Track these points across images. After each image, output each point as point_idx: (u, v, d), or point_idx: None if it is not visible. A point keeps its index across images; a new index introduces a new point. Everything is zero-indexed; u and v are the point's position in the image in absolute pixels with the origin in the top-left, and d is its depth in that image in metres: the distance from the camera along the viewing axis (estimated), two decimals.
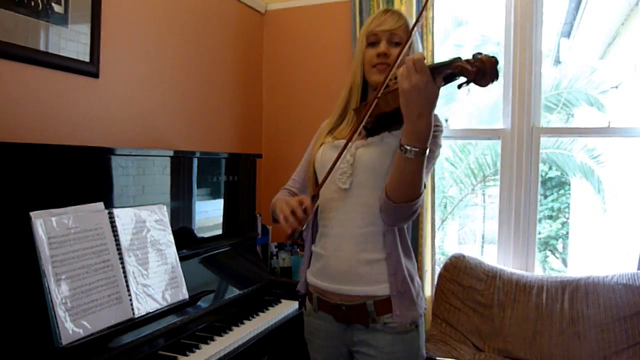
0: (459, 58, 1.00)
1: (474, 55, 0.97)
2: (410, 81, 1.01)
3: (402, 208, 1.15)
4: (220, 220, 2.11)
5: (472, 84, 0.99)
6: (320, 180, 1.30)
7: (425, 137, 1.07)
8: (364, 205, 1.26)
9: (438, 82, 1.03)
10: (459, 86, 1.00)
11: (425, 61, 1.03)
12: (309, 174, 1.39)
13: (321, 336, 1.36)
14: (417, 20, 1.22)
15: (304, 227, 1.22)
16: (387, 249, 1.25)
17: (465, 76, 0.97)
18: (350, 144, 1.20)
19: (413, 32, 1.23)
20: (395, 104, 1.10)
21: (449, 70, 1.00)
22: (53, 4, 1.64)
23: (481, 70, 0.94)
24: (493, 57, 0.95)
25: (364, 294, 1.25)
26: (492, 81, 0.95)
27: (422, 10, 1.34)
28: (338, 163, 1.21)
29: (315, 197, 1.20)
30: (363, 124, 1.18)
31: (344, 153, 1.21)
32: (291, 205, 1.18)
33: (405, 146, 1.07)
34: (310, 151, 1.45)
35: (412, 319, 1.26)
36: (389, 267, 1.25)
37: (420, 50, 1.37)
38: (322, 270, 1.32)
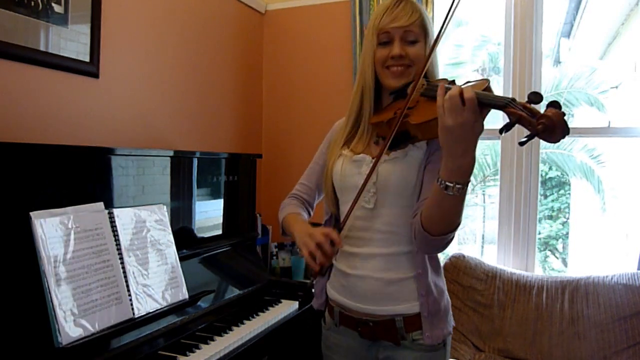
0: (513, 100, 0.90)
1: (529, 98, 0.88)
2: (456, 119, 0.91)
3: (442, 240, 1.07)
4: (220, 220, 2.11)
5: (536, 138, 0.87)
6: (341, 200, 1.27)
7: (469, 172, 0.97)
8: (389, 224, 1.19)
9: (484, 115, 0.94)
10: (522, 143, 0.89)
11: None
12: (326, 188, 1.29)
13: (341, 352, 1.29)
14: (438, 37, 1.09)
15: (332, 263, 1.14)
16: (415, 268, 1.18)
17: (527, 128, 0.87)
18: (374, 166, 1.13)
19: (434, 49, 1.11)
20: (431, 135, 1.02)
21: (509, 117, 0.90)
22: (53, 4, 1.64)
23: (549, 127, 0.83)
24: (559, 108, 0.84)
25: (392, 312, 1.19)
26: (564, 136, 0.84)
27: (449, 15, 1.08)
28: (362, 186, 1.14)
29: (340, 230, 1.13)
30: (387, 147, 1.10)
31: (370, 177, 1.14)
32: (316, 239, 1.09)
33: (447, 183, 0.96)
34: (322, 156, 1.36)
35: (442, 338, 1.20)
36: (418, 286, 1.18)
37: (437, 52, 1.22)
38: (347, 288, 1.24)
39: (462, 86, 0.94)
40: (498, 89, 2.63)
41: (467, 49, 5.16)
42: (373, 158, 1.19)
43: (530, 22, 2.44)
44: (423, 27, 1.19)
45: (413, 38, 1.18)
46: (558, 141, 0.86)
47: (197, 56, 2.39)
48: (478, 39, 5.18)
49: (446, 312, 1.23)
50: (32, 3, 1.57)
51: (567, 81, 4.95)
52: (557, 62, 5.10)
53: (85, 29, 1.76)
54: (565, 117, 0.84)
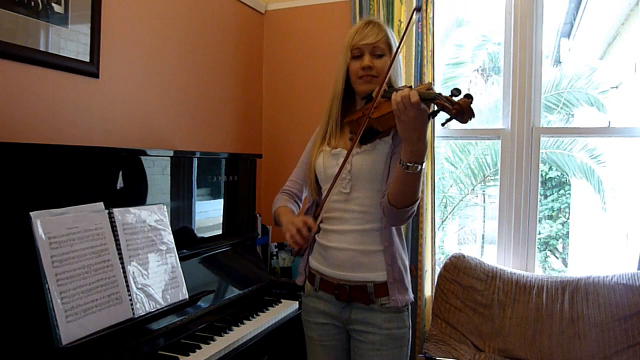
0: (440, 94, 1.17)
1: (452, 92, 1.15)
2: (408, 115, 1.16)
3: (405, 212, 1.30)
4: (220, 220, 2.11)
5: (453, 120, 1.16)
6: (323, 189, 1.48)
7: (424, 153, 1.22)
8: (362, 205, 1.41)
9: (428, 107, 1.19)
10: (443, 124, 1.18)
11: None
12: (310, 179, 1.52)
13: (319, 315, 1.48)
14: (402, 41, 1.39)
15: (309, 245, 1.34)
16: (384, 242, 1.40)
17: (446, 112, 1.15)
18: (348, 156, 1.36)
19: (397, 53, 1.39)
20: (389, 125, 1.28)
21: (435, 106, 1.18)
22: (53, 4, 1.64)
23: (460, 112, 1.12)
24: (469, 98, 1.12)
25: (364, 279, 1.40)
26: (470, 118, 1.13)
27: (405, 32, 1.45)
28: (339, 174, 1.36)
29: (316, 218, 1.34)
30: (358, 140, 1.33)
31: (344, 166, 1.36)
32: (296, 225, 1.29)
33: (407, 163, 1.22)
34: (307, 155, 1.57)
35: (405, 302, 1.41)
36: (386, 257, 1.40)
37: (400, 62, 1.53)
38: (326, 258, 1.45)
39: (409, 89, 1.19)
40: (498, 89, 2.64)
41: (467, 49, 5.15)
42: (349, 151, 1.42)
43: (530, 22, 2.44)
44: (388, 44, 1.44)
45: (380, 52, 1.43)
46: (467, 122, 1.13)
47: (197, 56, 2.39)
48: (478, 39, 5.17)
49: (408, 285, 1.44)
50: (32, 3, 1.57)
51: (567, 81, 4.94)
52: (557, 62, 5.10)
53: (85, 29, 1.76)
54: (472, 105, 1.13)
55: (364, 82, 1.43)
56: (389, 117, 1.24)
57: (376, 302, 1.40)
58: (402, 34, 1.39)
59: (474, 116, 1.12)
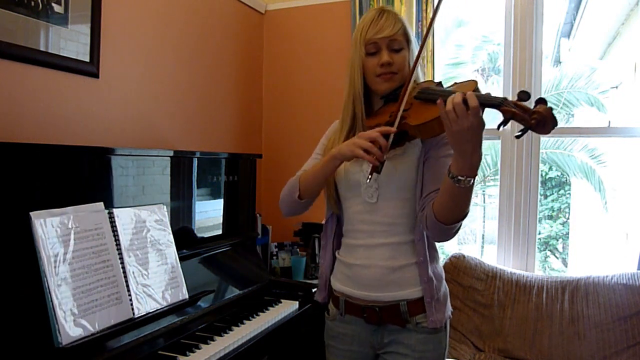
0: (505, 99, 0.99)
1: (519, 96, 0.97)
2: (462, 124, 1.00)
3: (454, 227, 1.17)
4: (220, 220, 2.11)
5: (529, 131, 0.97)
6: (344, 197, 1.33)
7: (477, 166, 1.07)
8: (390, 216, 1.27)
9: (482, 113, 1.03)
10: (519, 136, 0.98)
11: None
12: (329, 189, 1.36)
13: (346, 341, 1.35)
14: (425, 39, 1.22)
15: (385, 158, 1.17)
16: (417, 255, 1.27)
17: (521, 123, 0.96)
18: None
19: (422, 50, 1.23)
20: (433, 134, 1.14)
21: (501, 115, 0.99)
22: (53, 4, 1.64)
23: (541, 121, 0.93)
24: (546, 104, 0.94)
25: (396, 298, 1.26)
26: (554, 128, 0.94)
27: (428, 29, 1.28)
28: (363, 178, 1.24)
29: (393, 123, 1.17)
30: (388, 150, 1.17)
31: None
32: (370, 136, 1.14)
33: (458, 177, 1.06)
34: (324, 147, 1.41)
35: (443, 322, 1.28)
36: (420, 273, 1.26)
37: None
38: (351, 278, 1.31)
39: (462, 92, 1.02)
40: (498, 89, 2.64)
41: (467, 49, 5.16)
42: None
43: (530, 22, 2.44)
44: (406, 36, 1.30)
45: (398, 46, 1.28)
46: (549, 132, 0.95)
47: (197, 56, 2.39)
48: (478, 39, 5.19)
49: (445, 298, 1.32)
50: (32, 3, 1.57)
51: (567, 81, 4.95)
52: (557, 62, 5.11)
53: (85, 29, 1.76)
54: (554, 111, 0.94)
55: (383, 81, 1.28)
56: (434, 125, 1.08)
57: (411, 321, 1.26)
58: (425, 29, 1.26)
59: (557, 124, 0.94)
